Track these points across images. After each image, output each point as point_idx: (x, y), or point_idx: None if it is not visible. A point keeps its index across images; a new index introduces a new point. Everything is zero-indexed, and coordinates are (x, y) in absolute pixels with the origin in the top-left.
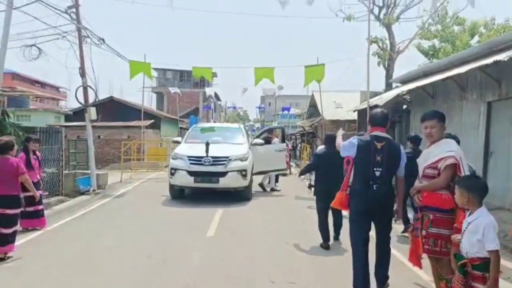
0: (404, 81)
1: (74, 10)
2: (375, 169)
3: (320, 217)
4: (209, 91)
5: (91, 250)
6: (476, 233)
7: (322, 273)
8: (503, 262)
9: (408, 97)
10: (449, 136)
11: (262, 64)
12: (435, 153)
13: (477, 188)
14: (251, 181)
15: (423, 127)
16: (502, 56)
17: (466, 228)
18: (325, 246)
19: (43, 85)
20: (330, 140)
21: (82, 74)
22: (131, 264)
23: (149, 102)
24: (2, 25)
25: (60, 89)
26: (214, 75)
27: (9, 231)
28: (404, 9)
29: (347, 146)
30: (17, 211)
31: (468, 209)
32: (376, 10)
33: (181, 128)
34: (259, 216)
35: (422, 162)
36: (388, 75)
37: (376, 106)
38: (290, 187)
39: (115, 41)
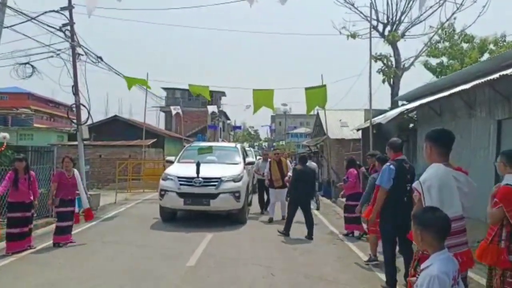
0: (409, 99)
1: (68, 28)
2: (407, 185)
3: (290, 214)
4: (211, 108)
5: (59, 281)
6: (422, 285)
7: None
8: None
9: (415, 116)
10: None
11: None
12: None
13: (432, 224)
14: (245, 203)
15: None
16: (510, 70)
17: (419, 275)
18: (286, 233)
19: (56, 104)
20: (303, 159)
21: (76, 92)
22: None
23: (157, 121)
24: None
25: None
26: (223, 94)
27: None
28: (408, 26)
29: (388, 174)
30: None
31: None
32: (380, 27)
33: (184, 146)
34: (249, 243)
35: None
36: (393, 93)
37: (379, 124)
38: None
39: (125, 62)
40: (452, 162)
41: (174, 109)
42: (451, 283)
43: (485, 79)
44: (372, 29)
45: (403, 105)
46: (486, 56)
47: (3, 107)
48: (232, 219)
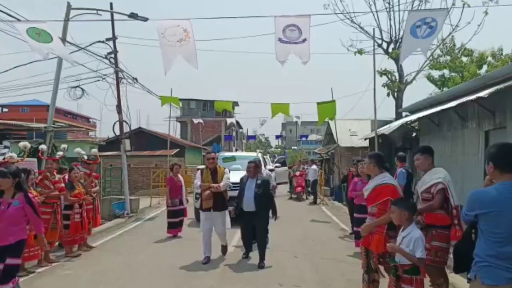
0: (412, 111)
1: (112, 55)
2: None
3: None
4: (230, 120)
5: (129, 262)
6: (409, 245)
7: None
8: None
9: (417, 126)
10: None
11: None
12: (427, 180)
13: (411, 207)
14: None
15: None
16: (483, 93)
17: (401, 241)
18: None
19: (74, 116)
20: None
21: (119, 111)
22: (159, 275)
23: (174, 131)
24: (54, 70)
25: (90, 120)
26: (236, 104)
27: None
28: None
29: (403, 176)
30: None
31: (402, 226)
32: (385, 45)
33: (204, 156)
34: (274, 234)
35: (419, 188)
36: (398, 105)
37: (383, 134)
38: (304, 211)
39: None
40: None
41: (196, 120)
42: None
43: (473, 96)
44: (376, 47)
45: (406, 116)
46: (485, 68)
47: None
48: None
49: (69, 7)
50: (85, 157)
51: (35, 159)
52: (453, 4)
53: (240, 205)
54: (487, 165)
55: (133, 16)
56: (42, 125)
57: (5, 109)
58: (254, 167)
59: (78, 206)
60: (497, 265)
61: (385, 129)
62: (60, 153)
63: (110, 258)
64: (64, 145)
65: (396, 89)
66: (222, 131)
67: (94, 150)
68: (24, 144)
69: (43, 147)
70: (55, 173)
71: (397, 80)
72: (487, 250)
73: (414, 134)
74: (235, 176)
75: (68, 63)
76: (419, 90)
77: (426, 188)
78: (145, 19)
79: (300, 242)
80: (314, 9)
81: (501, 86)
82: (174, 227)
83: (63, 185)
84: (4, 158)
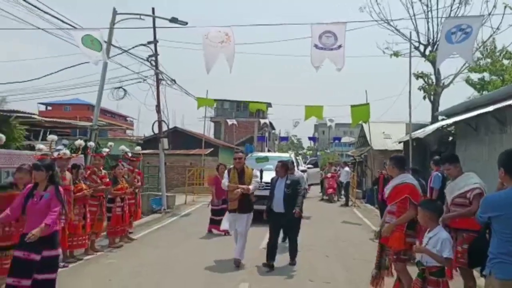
0: (449, 114)
1: (153, 58)
2: None
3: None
4: (264, 121)
5: (167, 255)
6: (436, 246)
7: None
8: None
9: (453, 130)
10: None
11: (313, 96)
12: (461, 185)
13: (437, 209)
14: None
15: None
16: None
17: (427, 242)
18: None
19: (113, 114)
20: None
21: (158, 110)
22: (194, 267)
23: (208, 131)
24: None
25: (127, 118)
26: (269, 105)
27: None
28: None
29: (438, 179)
30: None
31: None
32: (422, 48)
33: None
34: (306, 235)
35: (449, 192)
36: (434, 108)
37: (418, 138)
38: (335, 213)
39: (179, 76)
40: None
41: (231, 121)
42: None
43: (505, 103)
44: (413, 49)
45: (443, 119)
46: None
47: (65, 117)
48: None
49: (114, 13)
50: (129, 154)
51: (82, 155)
52: (494, 6)
53: (270, 206)
54: (499, 170)
55: (174, 20)
56: (88, 124)
57: (49, 108)
58: (281, 167)
59: (120, 200)
60: (509, 262)
61: (419, 133)
62: (107, 149)
63: (149, 250)
64: (110, 143)
65: (432, 92)
66: (255, 131)
67: (138, 148)
68: (79, 142)
69: (91, 144)
70: (101, 168)
71: (434, 83)
72: (500, 248)
73: (450, 138)
74: (268, 176)
75: (112, 65)
76: (457, 93)
77: (461, 193)
78: (185, 23)
79: (331, 243)
80: (350, 12)
81: None
82: (215, 223)
83: (108, 180)
84: (58, 154)
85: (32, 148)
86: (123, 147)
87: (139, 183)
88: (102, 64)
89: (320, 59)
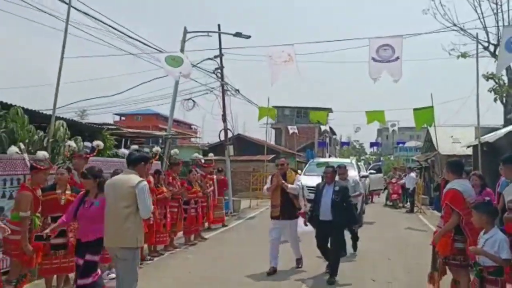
0: None
1: (219, 71)
2: None
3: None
4: (324, 127)
5: (236, 252)
6: (493, 247)
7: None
8: None
9: None
10: None
11: (376, 101)
12: None
13: (492, 212)
14: (362, 209)
15: None
16: None
17: (484, 243)
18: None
19: (179, 123)
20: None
21: (224, 119)
22: (262, 264)
23: (269, 137)
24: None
25: (192, 126)
26: (329, 110)
27: None
28: None
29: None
30: None
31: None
32: (492, 48)
33: (298, 161)
34: (366, 241)
35: (507, 195)
36: (506, 111)
37: (487, 142)
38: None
39: (242, 84)
40: None
41: (291, 129)
42: None
43: None
44: (482, 50)
45: None
46: None
47: (137, 126)
48: None
49: (185, 31)
50: (203, 161)
51: (159, 162)
52: None
53: (316, 213)
54: None
55: (238, 35)
56: (163, 133)
57: (123, 118)
58: (331, 173)
59: (194, 202)
60: None
61: (490, 137)
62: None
63: (220, 248)
64: (175, 150)
65: (504, 94)
66: (316, 137)
67: (211, 154)
68: (157, 149)
69: (173, 151)
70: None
71: (506, 84)
72: None
73: None
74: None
75: (182, 79)
76: None
77: None
78: (248, 37)
79: (393, 247)
80: (412, 16)
81: None
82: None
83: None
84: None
85: (116, 155)
86: (196, 154)
87: (212, 188)
88: (175, 80)
89: (378, 71)
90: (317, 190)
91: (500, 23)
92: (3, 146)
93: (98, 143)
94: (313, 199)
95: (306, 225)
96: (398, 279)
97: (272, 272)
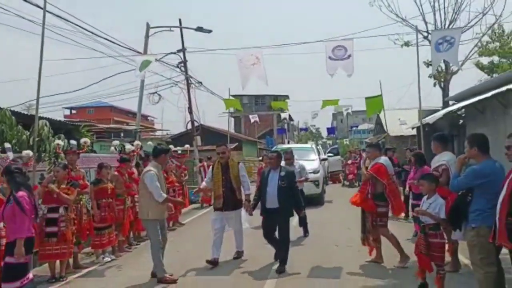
0: (459, 99)
1: (182, 65)
2: None
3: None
4: (284, 115)
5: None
6: (435, 209)
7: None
8: None
9: (463, 114)
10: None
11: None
12: (435, 160)
13: (436, 181)
14: (323, 190)
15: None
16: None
17: (428, 207)
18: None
19: (134, 114)
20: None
21: (190, 111)
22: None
23: (228, 126)
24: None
25: (148, 118)
26: (287, 97)
27: None
28: None
29: None
30: None
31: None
32: (430, 37)
33: (259, 148)
34: (326, 214)
35: (433, 164)
36: (444, 94)
37: (428, 124)
38: None
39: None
40: None
41: (253, 117)
42: None
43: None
44: (422, 39)
45: (453, 104)
46: None
47: (89, 119)
48: (313, 202)
49: (148, 26)
50: (178, 152)
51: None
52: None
53: (262, 201)
54: (471, 148)
55: (199, 29)
56: (133, 127)
57: (73, 111)
58: (276, 157)
59: (172, 191)
60: (492, 213)
61: (430, 118)
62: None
63: (197, 232)
64: (137, 142)
65: (442, 79)
66: (274, 124)
67: (187, 146)
68: (129, 147)
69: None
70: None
71: (443, 70)
72: (488, 205)
73: (461, 121)
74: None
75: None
76: (469, 76)
77: (435, 167)
78: (209, 31)
79: (351, 219)
80: (360, 9)
81: None
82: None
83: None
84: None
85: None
86: (171, 146)
87: (186, 177)
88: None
89: (333, 68)
90: (262, 177)
91: (437, 16)
92: None
93: (86, 140)
94: (258, 187)
95: (251, 214)
96: (357, 242)
97: (215, 263)
